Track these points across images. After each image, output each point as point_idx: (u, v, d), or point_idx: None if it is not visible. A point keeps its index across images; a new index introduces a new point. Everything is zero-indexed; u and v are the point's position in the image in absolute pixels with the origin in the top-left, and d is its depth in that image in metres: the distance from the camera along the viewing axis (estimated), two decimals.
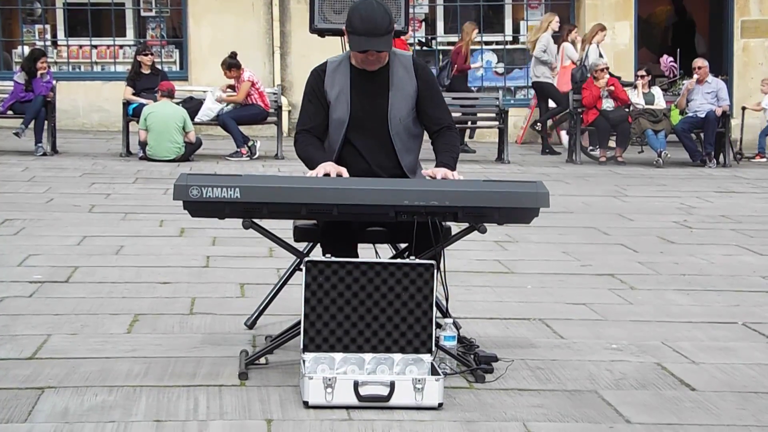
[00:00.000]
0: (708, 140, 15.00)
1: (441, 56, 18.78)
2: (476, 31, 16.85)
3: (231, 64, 14.85)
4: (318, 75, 5.18)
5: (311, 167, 5.03)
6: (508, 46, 18.96)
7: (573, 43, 16.71)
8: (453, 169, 5.05)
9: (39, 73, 14.47)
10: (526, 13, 18.95)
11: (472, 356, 5.04)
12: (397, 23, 6.42)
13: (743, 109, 15.72)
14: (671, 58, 17.18)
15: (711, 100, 15.00)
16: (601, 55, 15.92)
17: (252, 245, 7.80)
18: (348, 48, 5.15)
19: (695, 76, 15.11)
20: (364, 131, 5.12)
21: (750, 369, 5.18)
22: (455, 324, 5.10)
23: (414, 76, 5.15)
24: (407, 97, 5.14)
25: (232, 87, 15.02)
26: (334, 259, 4.72)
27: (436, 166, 5.07)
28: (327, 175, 4.90)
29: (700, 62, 15.32)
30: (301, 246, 5.47)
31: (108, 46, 18.62)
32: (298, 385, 4.63)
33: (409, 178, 5.15)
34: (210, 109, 14.80)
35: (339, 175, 4.91)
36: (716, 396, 4.75)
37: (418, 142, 5.26)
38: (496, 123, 15.47)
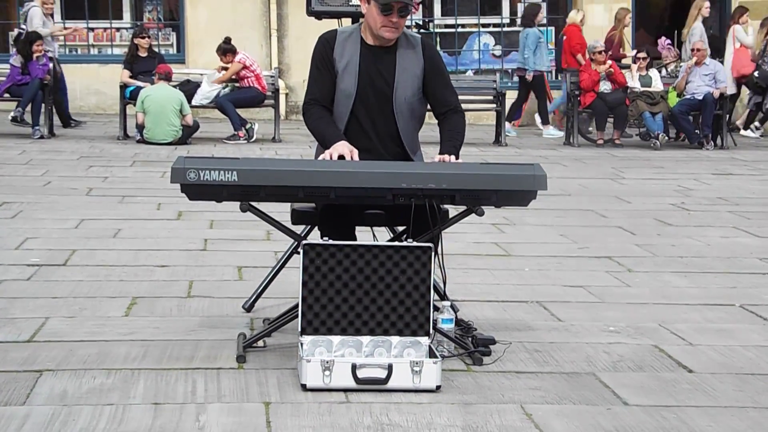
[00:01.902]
0: (705, 122, 15.01)
1: (439, 39, 18.76)
2: (629, 16, 16.68)
3: (226, 50, 14.83)
4: (327, 42, 5.15)
5: (324, 143, 5.02)
6: (506, 29, 18.92)
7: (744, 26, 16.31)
8: (456, 157, 5.05)
9: (35, 56, 14.45)
10: None
11: (469, 339, 5.05)
12: None
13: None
14: (668, 40, 17.15)
15: (709, 82, 14.99)
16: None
17: (249, 228, 7.80)
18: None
19: (694, 59, 15.09)
20: (369, 107, 5.12)
21: (747, 351, 5.19)
22: (453, 307, 5.10)
23: (422, 56, 5.15)
24: (414, 77, 5.13)
25: (226, 69, 14.98)
26: (331, 242, 4.72)
27: (440, 153, 5.06)
28: (341, 157, 4.89)
29: (698, 44, 15.30)
30: (299, 229, 5.47)
31: (105, 29, 18.58)
32: (296, 367, 4.64)
33: (410, 157, 5.15)
34: (207, 92, 14.78)
35: (352, 158, 4.90)
36: (714, 378, 4.76)
37: (420, 122, 5.26)
38: (494, 106, 15.46)
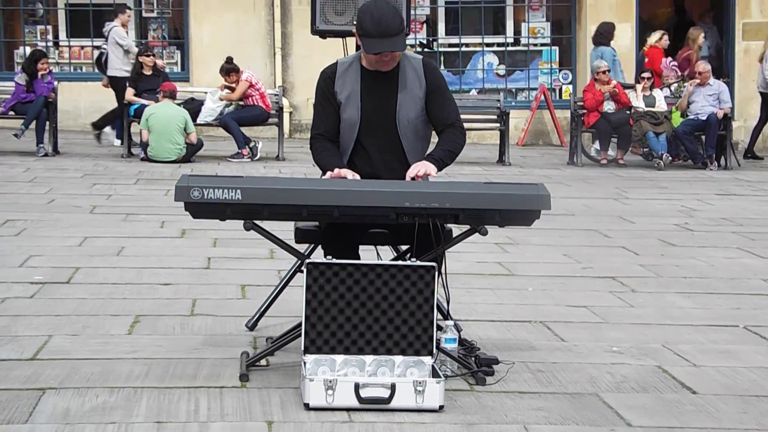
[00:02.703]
0: (710, 143, 15.00)
1: (443, 58, 18.80)
2: (702, 35, 16.68)
3: (229, 69, 14.86)
4: (328, 77, 5.19)
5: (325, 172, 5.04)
6: (510, 48, 18.97)
7: None
8: (438, 162, 5.04)
9: (40, 74, 14.49)
10: (527, 15, 18.96)
11: (472, 359, 5.04)
12: None
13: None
14: (673, 60, 17.18)
15: (713, 103, 15.00)
16: None
17: (253, 247, 7.80)
18: (350, 50, 5.15)
19: (696, 79, 15.10)
20: (373, 132, 5.14)
21: (751, 372, 5.18)
22: (456, 326, 5.10)
23: (423, 77, 5.16)
24: (416, 98, 5.15)
25: (230, 88, 15.02)
26: (335, 260, 4.72)
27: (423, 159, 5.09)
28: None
29: (702, 66, 15.31)
30: (302, 247, 5.47)
31: None
32: (299, 386, 4.63)
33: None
34: (212, 109, 14.80)
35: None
36: (717, 399, 4.75)
37: (427, 142, 5.27)
38: (497, 125, 15.47)
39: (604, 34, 16.50)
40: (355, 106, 5.12)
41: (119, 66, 15.67)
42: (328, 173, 4.99)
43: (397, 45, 4.99)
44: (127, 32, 16.06)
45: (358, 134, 5.14)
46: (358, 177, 4.97)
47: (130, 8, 16.28)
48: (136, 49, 15.47)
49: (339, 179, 4.94)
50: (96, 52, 17.08)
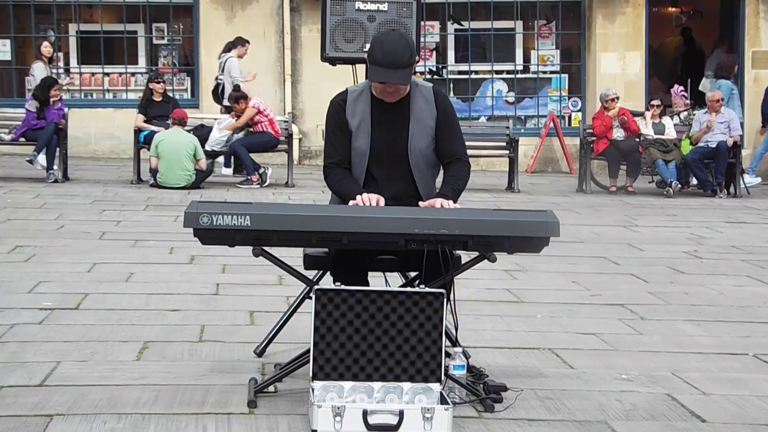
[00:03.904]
0: (720, 170, 14.96)
1: (452, 85, 18.84)
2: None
3: (237, 97, 14.91)
4: (339, 105, 5.20)
5: (347, 201, 5.04)
6: (519, 76, 19.01)
7: None
8: (450, 199, 5.05)
9: (51, 100, 14.55)
10: (536, 43, 19.01)
11: (481, 385, 5.03)
12: None
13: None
14: (681, 88, 17.20)
15: (723, 130, 14.99)
16: None
17: (262, 273, 7.80)
18: (360, 77, 5.17)
19: (714, 115, 15.00)
20: (383, 162, 5.15)
21: (761, 401, 5.16)
22: (464, 353, 5.09)
23: (434, 107, 5.17)
24: (427, 128, 5.16)
25: (239, 116, 15.07)
26: (343, 287, 4.72)
27: (436, 196, 5.08)
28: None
29: (717, 95, 15.28)
30: (311, 274, 5.47)
31: (120, 74, 18.72)
32: (307, 413, 4.62)
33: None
34: (218, 138, 14.84)
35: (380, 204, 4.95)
36: (727, 428, 4.73)
37: (437, 171, 5.28)
38: (507, 152, 15.49)
39: (725, 68, 16.61)
40: (366, 136, 5.13)
41: None
42: (356, 199, 4.98)
43: (400, 78, 5.00)
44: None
45: (368, 165, 5.15)
46: (383, 201, 4.97)
47: (248, 42, 16.30)
48: (243, 82, 15.52)
49: (348, 206, 4.95)
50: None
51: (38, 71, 15.79)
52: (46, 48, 16.35)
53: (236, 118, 14.96)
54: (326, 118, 5.26)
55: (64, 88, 16.59)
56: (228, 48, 16.27)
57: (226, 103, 15.61)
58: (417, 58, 6.85)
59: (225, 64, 15.89)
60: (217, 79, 16.27)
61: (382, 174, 5.16)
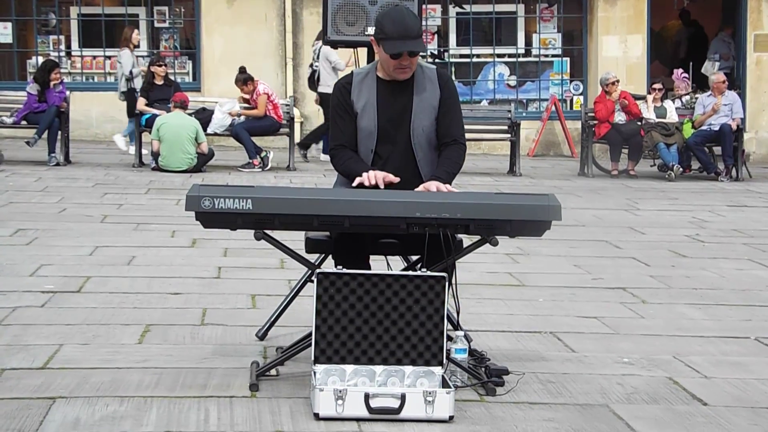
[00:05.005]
0: (727, 153, 14.90)
1: (454, 69, 18.82)
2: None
3: (245, 79, 14.91)
4: (344, 87, 5.20)
5: (353, 180, 5.04)
6: (521, 59, 18.98)
7: None
8: (445, 182, 5.05)
9: (52, 83, 14.54)
10: (538, 26, 18.98)
11: (483, 369, 5.04)
12: None
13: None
14: (683, 72, 17.18)
15: (726, 113, 14.96)
16: None
17: (263, 256, 7.81)
18: (362, 61, 5.17)
19: (721, 97, 14.97)
20: (389, 141, 5.15)
21: (762, 384, 5.16)
22: (466, 337, 5.09)
23: (438, 87, 5.17)
24: (430, 107, 5.16)
25: (246, 101, 15.07)
26: (345, 270, 4.72)
27: (430, 179, 5.08)
28: (375, 186, 4.93)
29: (717, 77, 15.26)
30: (313, 257, 5.47)
31: None
32: (309, 396, 4.63)
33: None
34: (221, 119, 14.83)
35: (386, 181, 4.95)
36: (728, 411, 4.73)
37: (439, 152, 5.27)
38: (508, 135, 15.48)
39: None
40: (372, 116, 5.13)
41: (330, 83, 15.77)
42: (360, 177, 4.98)
43: (417, 46, 5.01)
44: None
45: (374, 145, 5.15)
46: (391, 177, 4.97)
47: None
48: (344, 67, 15.51)
49: (351, 189, 4.95)
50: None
51: (125, 59, 15.80)
52: (136, 36, 16.29)
53: (243, 101, 14.97)
54: (331, 101, 5.26)
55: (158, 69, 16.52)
56: (320, 36, 16.30)
57: (320, 89, 15.61)
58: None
59: (320, 51, 15.83)
60: (312, 66, 16.27)
61: (388, 153, 5.15)
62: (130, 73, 15.66)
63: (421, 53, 5.11)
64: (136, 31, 16.59)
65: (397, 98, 5.14)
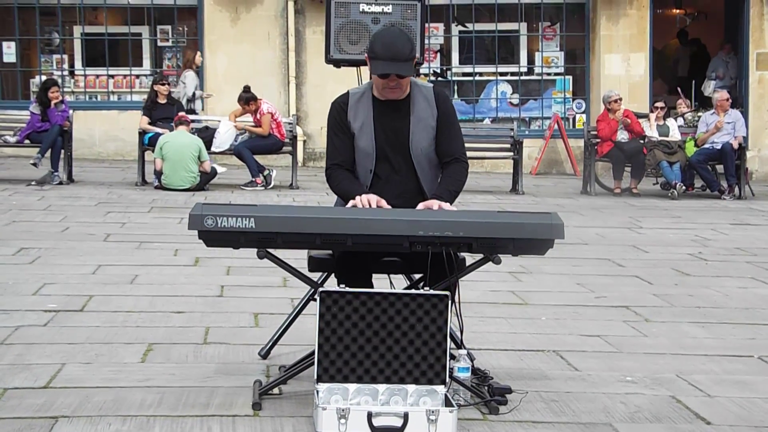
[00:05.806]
0: (729, 172, 14.91)
1: (456, 87, 18.85)
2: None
3: (249, 98, 14.93)
4: (340, 107, 5.20)
5: (347, 202, 5.04)
6: (523, 77, 19.01)
7: None
8: (446, 200, 5.05)
9: (52, 102, 14.56)
10: (541, 45, 19.01)
11: (485, 388, 5.03)
12: None
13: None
14: (680, 91, 17.21)
15: (729, 131, 14.97)
16: None
17: (266, 275, 7.81)
18: (364, 79, 5.17)
19: (724, 115, 14.98)
20: (389, 163, 5.15)
21: (766, 403, 5.15)
22: (469, 355, 5.08)
23: (435, 106, 5.18)
24: (428, 127, 5.16)
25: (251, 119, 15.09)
26: (348, 289, 4.72)
27: (431, 197, 5.08)
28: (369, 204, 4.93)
29: (725, 95, 15.28)
30: (316, 276, 5.47)
31: (124, 76, 18.73)
32: (312, 415, 4.62)
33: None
34: (226, 132, 14.85)
35: (379, 206, 4.94)
36: (732, 430, 4.72)
37: (440, 170, 5.28)
38: (511, 154, 15.49)
39: None
40: (369, 136, 5.14)
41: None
42: (354, 200, 4.98)
43: (403, 69, 5.01)
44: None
45: (373, 166, 5.15)
46: (384, 203, 4.97)
47: None
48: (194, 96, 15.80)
49: (352, 208, 4.95)
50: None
51: (190, 79, 16.14)
52: (198, 58, 16.92)
53: (235, 119, 15.02)
54: (328, 120, 5.26)
55: (204, 97, 16.79)
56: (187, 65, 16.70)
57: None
58: (422, 59, 6.86)
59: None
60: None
61: (387, 173, 5.16)
62: (193, 94, 15.88)
63: (414, 75, 5.10)
64: (198, 53, 16.76)
65: (394, 118, 5.15)
